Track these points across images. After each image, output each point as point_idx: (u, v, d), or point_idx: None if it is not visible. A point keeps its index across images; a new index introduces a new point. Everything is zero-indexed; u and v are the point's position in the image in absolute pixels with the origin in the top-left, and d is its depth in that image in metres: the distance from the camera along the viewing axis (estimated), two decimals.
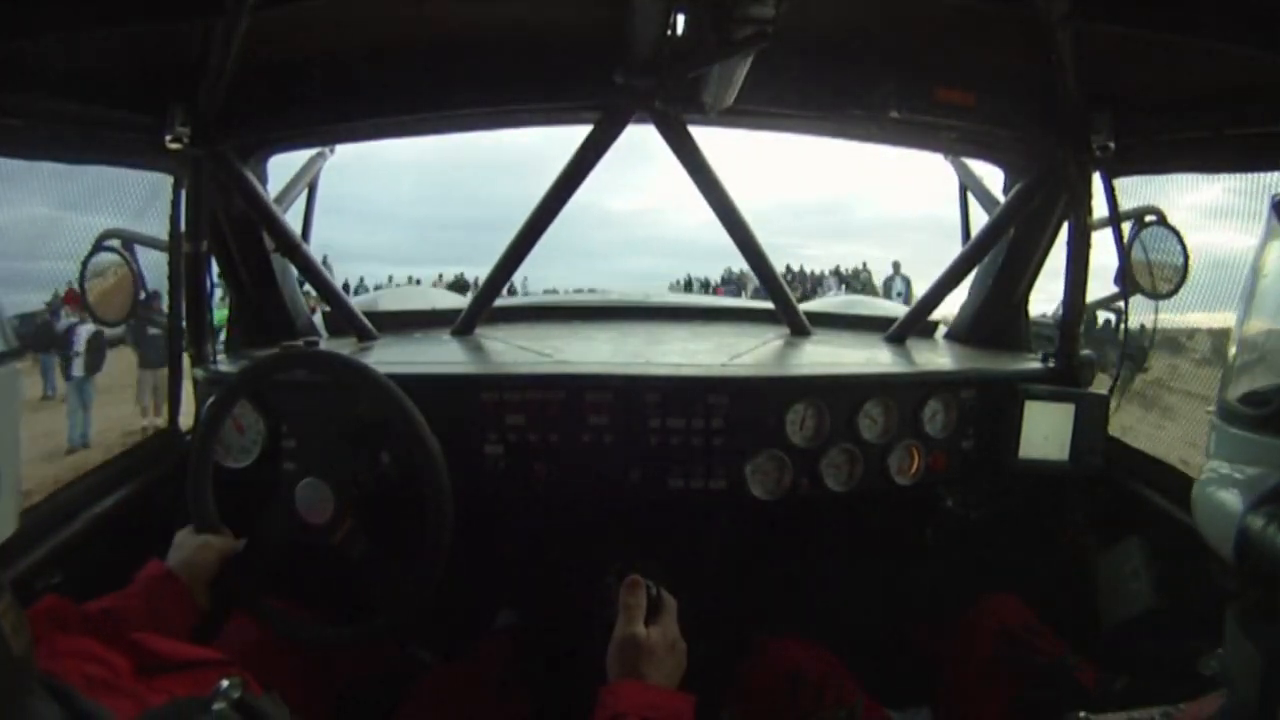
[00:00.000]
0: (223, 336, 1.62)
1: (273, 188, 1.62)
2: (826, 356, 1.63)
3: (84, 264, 1.30)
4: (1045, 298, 1.79)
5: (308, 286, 1.75)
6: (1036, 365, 1.60)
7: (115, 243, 1.34)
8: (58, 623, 0.73)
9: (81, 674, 0.63)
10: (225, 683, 0.55)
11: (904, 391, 1.45)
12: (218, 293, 1.59)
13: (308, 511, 1.18)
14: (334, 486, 1.18)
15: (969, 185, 1.81)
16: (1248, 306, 0.56)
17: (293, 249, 1.59)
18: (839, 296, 6.86)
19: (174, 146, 1.28)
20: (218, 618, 1.17)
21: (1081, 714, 0.57)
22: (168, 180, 1.38)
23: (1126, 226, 1.48)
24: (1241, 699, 0.51)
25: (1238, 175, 1.28)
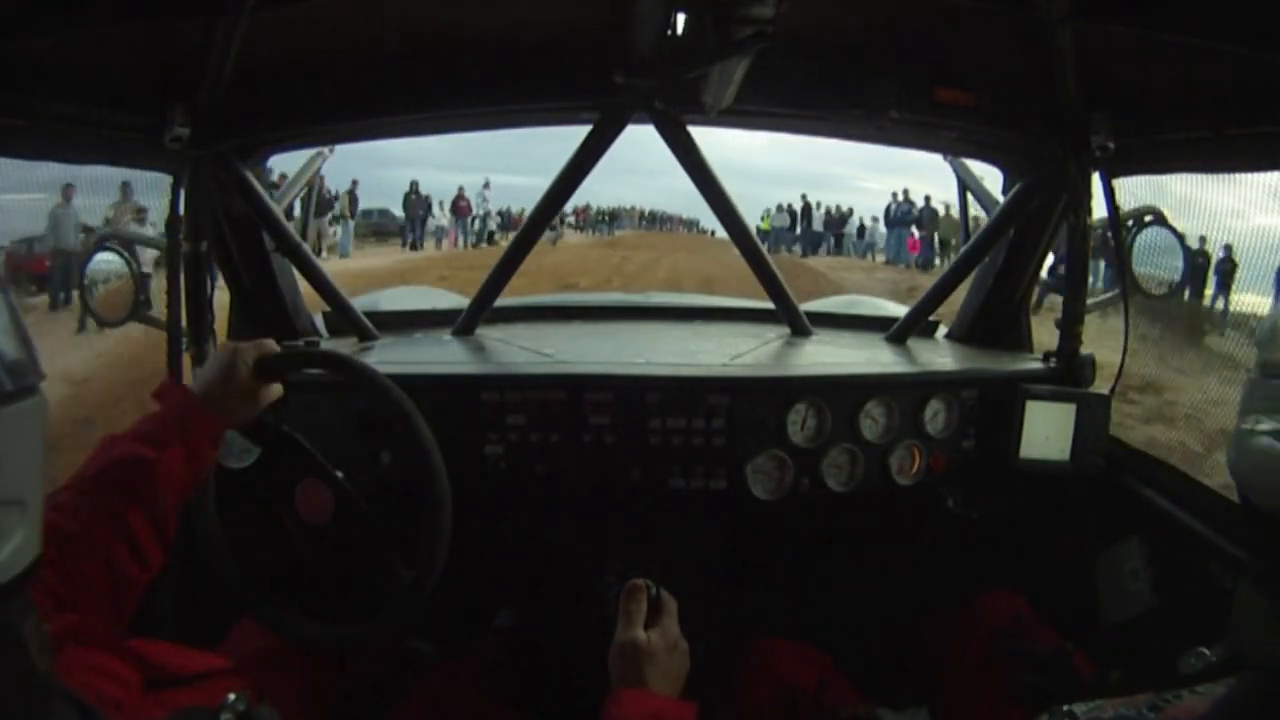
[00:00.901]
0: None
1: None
2: (827, 356, 1.63)
3: (83, 264, 1.30)
4: None
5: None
6: (1037, 365, 1.60)
7: (114, 242, 1.34)
8: (78, 640, 0.73)
9: (95, 691, 0.63)
10: (232, 696, 0.56)
11: (905, 391, 1.45)
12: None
13: (308, 512, 1.18)
14: (334, 488, 1.18)
15: (969, 185, 1.81)
16: None
17: (293, 249, 1.59)
18: (839, 296, 6.85)
19: (174, 146, 1.28)
20: (222, 621, 1.17)
21: (1065, 708, 0.57)
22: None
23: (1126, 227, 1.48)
24: (1258, 671, 0.50)
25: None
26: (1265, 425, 0.54)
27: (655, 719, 0.82)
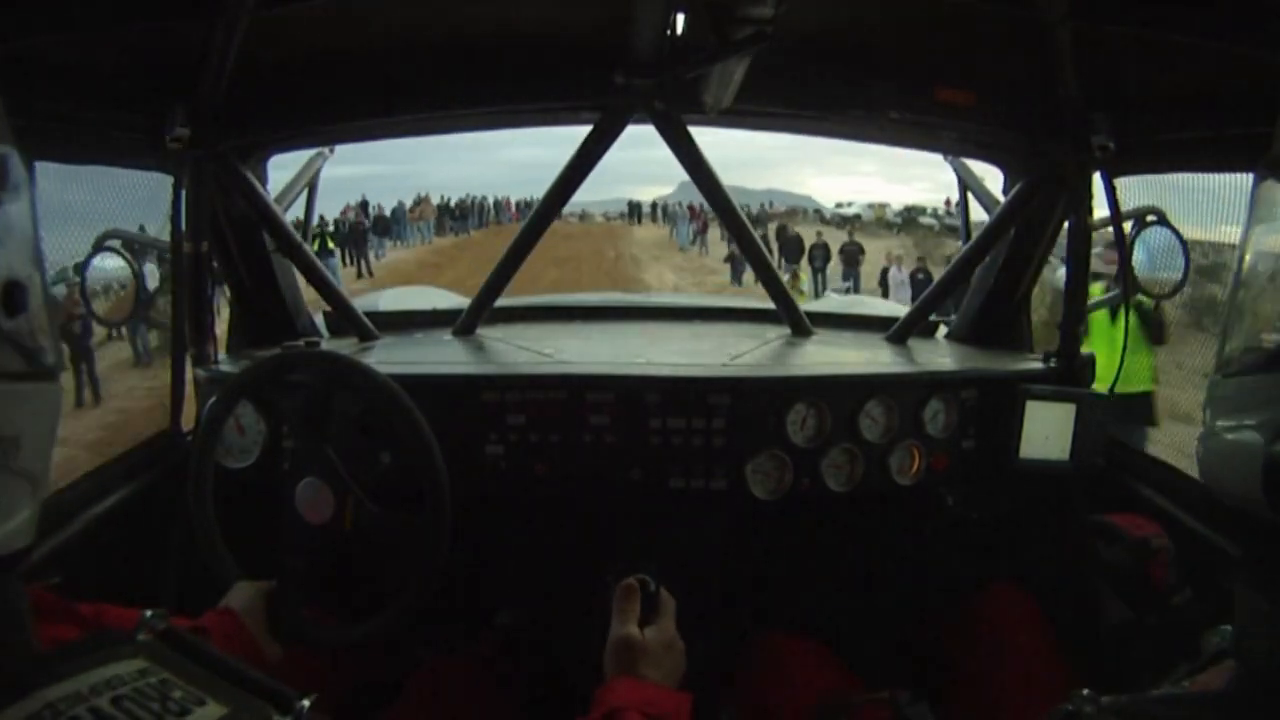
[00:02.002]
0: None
1: (273, 188, 1.62)
2: (827, 356, 1.63)
3: (84, 264, 1.30)
4: None
5: None
6: (1037, 365, 1.60)
7: (116, 243, 1.34)
8: (42, 615, 0.74)
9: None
10: (149, 613, 0.54)
11: (905, 391, 1.45)
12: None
13: (308, 511, 1.18)
14: (334, 487, 1.18)
15: (969, 185, 1.81)
16: (1238, 277, 0.56)
17: (293, 249, 1.59)
18: (840, 297, 6.85)
19: (174, 147, 1.28)
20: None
21: (1085, 691, 0.57)
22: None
23: (1127, 226, 1.48)
24: (1256, 665, 0.50)
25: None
26: (1225, 425, 0.53)
27: (649, 705, 0.82)
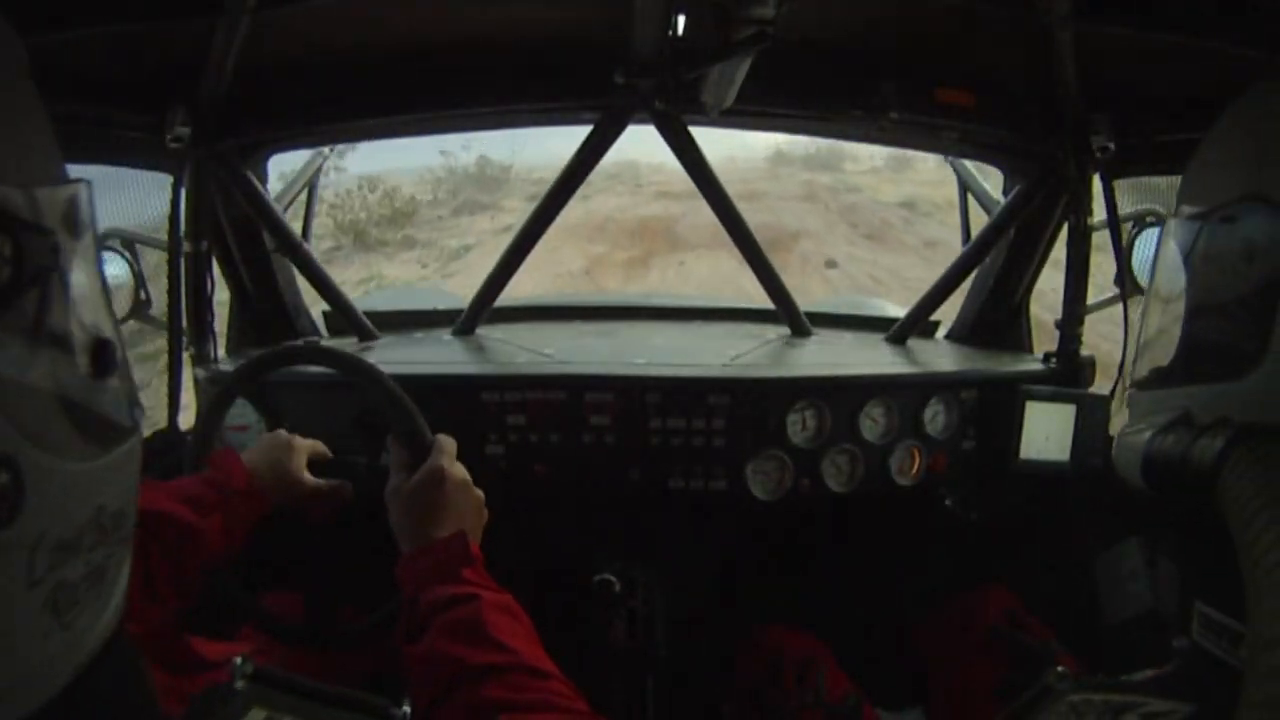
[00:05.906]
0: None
1: (273, 188, 1.62)
2: (827, 357, 1.64)
3: None
4: None
5: None
6: (1037, 366, 1.60)
7: (115, 241, 1.34)
8: None
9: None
10: (239, 660, 0.57)
11: (905, 392, 1.45)
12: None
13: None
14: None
15: (969, 186, 1.81)
16: (1148, 297, 0.68)
17: (293, 249, 1.59)
18: (839, 297, 6.86)
19: (174, 146, 1.28)
20: (228, 622, 1.17)
21: (1060, 668, 0.66)
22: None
23: (1127, 228, 1.48)
24: (1169, 620, 0.58)
25: None
26: (1133, 428, 0.66)
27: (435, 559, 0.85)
